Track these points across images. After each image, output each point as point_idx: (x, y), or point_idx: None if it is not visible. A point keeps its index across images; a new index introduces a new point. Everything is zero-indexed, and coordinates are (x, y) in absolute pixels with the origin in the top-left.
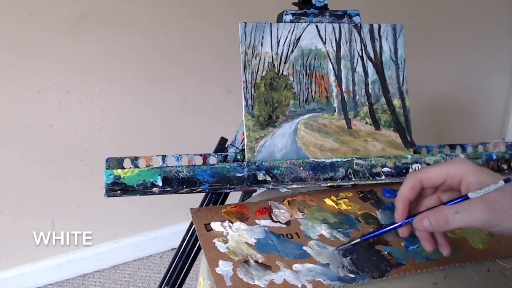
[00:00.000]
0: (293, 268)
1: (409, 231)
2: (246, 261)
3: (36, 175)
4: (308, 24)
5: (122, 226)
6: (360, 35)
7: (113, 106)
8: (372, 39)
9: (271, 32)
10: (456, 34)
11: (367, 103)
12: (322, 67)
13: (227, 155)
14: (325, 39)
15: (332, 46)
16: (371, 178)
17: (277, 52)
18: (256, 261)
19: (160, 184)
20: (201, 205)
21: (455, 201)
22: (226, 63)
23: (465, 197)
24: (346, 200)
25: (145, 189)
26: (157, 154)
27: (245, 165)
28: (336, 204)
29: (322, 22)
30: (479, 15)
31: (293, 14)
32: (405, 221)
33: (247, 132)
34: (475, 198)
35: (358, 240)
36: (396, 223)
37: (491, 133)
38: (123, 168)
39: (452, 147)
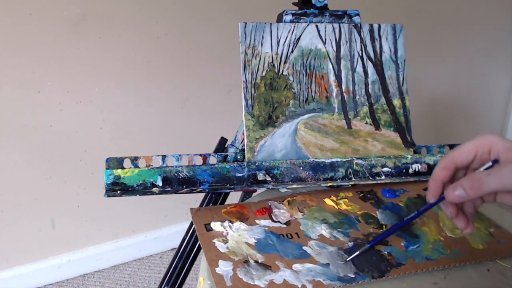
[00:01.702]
0: (293, 268)
1: (456, 209)
2: (246, 261)
3: (36, 175)
4: (308, 24)
5: (122, 226)
6: (360, 35)
7: (113, 106)
8: (372, 39)
9: (271, 32)
10: (456, 34)
11: (367, 103)
12: (322, 67)
13: (227, 155)
14: (325, 39)
15: (332, 46)
16: (371, 178)
17: (277, 52)
18: (256, 261)
19: (160, 184)
20: (201, 205)
21: (485, 167)
22: (226, 63)
23: (495, 161)
24: (346, 200)
25: (145, 189)
26: (157, 154)
27: (245, 165)
28: (336, 204)
29: (322, 22)
30: (479, 15)
31: (293, 14)
32: (438, 199)
33: (247, 132)
34: (506, 161)
35: (369, 243)
36: (426, 206)
37: None
38: (123, 168)
39: (452, 147)
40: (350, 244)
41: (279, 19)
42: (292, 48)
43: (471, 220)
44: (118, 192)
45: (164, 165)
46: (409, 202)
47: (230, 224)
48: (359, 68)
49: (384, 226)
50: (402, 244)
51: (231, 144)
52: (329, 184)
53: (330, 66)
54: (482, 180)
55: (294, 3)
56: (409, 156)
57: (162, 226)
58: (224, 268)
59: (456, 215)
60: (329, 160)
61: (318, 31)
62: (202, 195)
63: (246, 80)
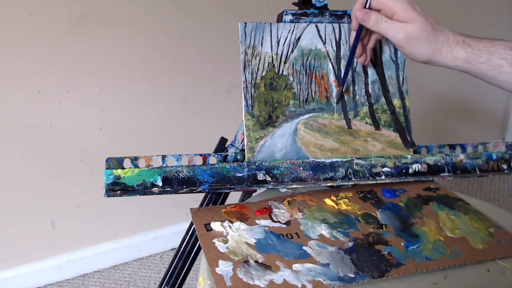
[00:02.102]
0: (293, 268)
1: (362, 46)
2: (246, 261)
3: (36, 175)
4: (308, 24)
5: (122, 226)
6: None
7: (113, 106)
8: None
9: (271, 32)
10: None
11: (367, 103)
12: (322, 67)
13: (227, 155)
14: (325, 39)
15: (332, 46)
16: (371, 178)
17: (277, 52)
18: (256, 261)
19: (160, 184)
20: (201, 205)
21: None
22: (226, 63)
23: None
24: (346, 200)
25: (145, 189)
26: (157, 154)
27: (245, 165)
28: (336, 204)
29: (322, 22)
30: (478, 15)
31: (293, 14)
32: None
33: (247, 132)
34: (403, 23)
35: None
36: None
37: (491, 133)
38: (123, 168)
39: (452, 147)
40: (350, 244)
41: (279, 19)
42: (292, 48)
43: (368, 53)
44: (118, 192)
45: (164, 165)
46: (409, 202)
47: (230, 224)
48: (359, 68)
49: (384, 226)
50: (402, 244)
51: (231, 144)
52: (329, 184)
53: (330, 66)
54: (379, 19)
55: (294, 3)
56: (409, 156)
57: (162, 226)
58: (224, 268)
59: (361, 50)
60: (329, 160)
61: (318, 31)
62: (202, 195)
63: (246, 80)
